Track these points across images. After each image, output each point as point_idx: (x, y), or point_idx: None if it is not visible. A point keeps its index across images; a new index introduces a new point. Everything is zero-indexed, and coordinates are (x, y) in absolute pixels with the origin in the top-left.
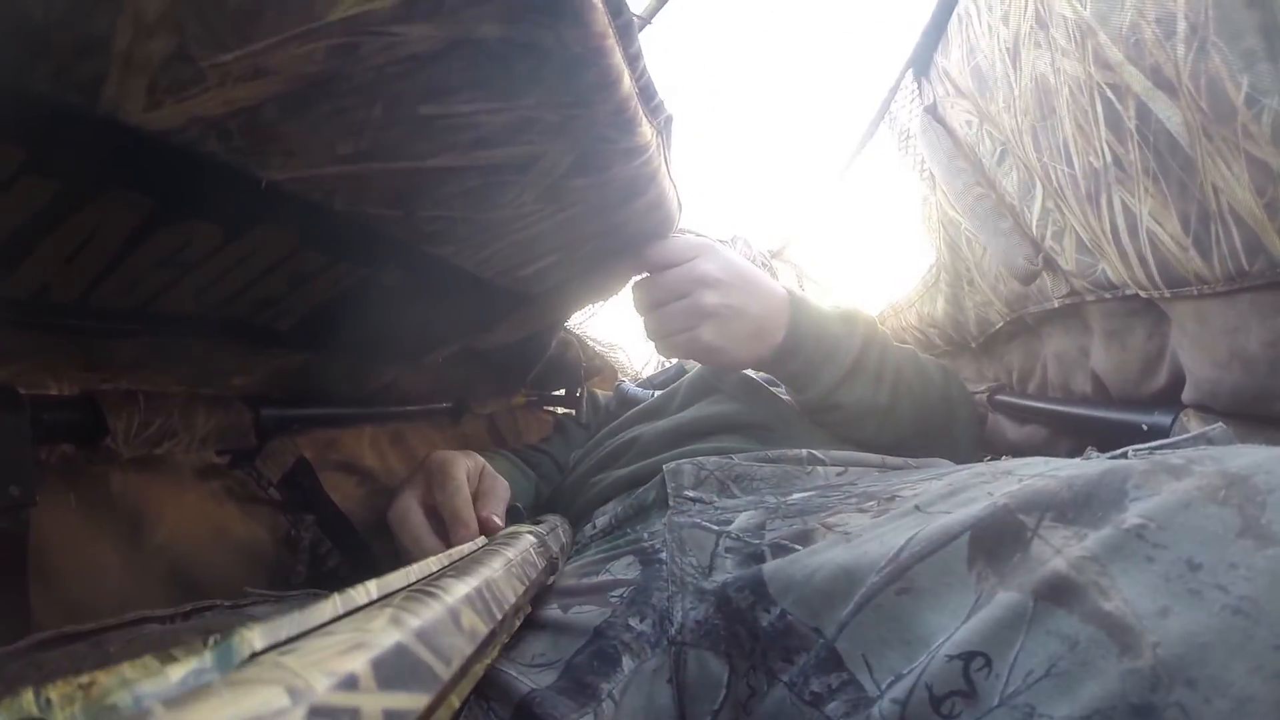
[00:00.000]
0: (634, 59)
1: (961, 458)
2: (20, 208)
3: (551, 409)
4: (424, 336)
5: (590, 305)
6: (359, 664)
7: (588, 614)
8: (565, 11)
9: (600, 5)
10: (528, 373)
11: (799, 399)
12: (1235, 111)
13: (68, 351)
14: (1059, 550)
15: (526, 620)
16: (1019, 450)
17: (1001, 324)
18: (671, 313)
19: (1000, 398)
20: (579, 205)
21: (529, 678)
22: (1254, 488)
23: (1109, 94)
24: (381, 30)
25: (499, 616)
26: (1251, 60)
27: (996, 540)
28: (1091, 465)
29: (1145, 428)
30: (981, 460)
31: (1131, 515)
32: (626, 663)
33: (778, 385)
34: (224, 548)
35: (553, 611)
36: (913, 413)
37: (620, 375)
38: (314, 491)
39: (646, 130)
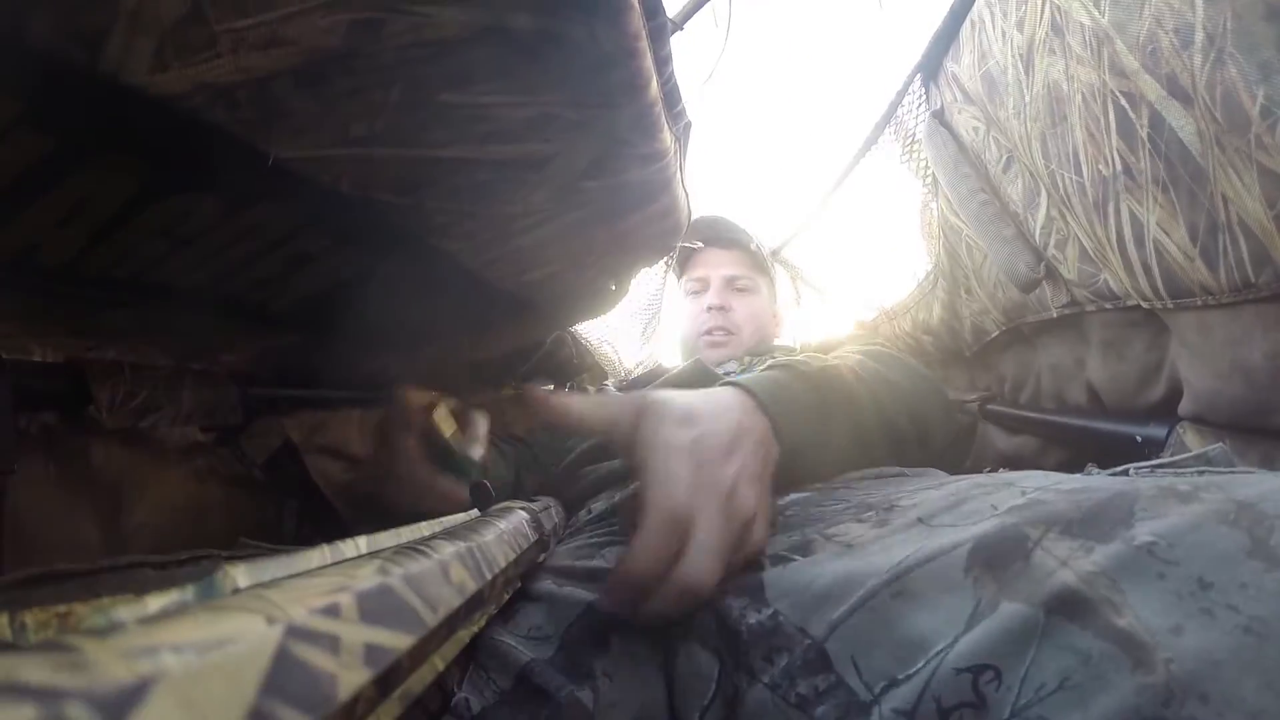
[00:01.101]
0: (663, 62)
1: (935, 459)
2: (12, 162)
3: None
4: (421, 332)
5: (585, 320)
6: (343, 598)
7: (581, 593)
8: (601, 8)
9: (636, 5)
10: (518, 369)
11: None
12: (1250, 122)
13: (54, 317)
14: (1064, 562)
15: (522, 594)
16: (1009, 460)
17: (997, 333)
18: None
19: (991, 407)
20: (589, 208)
21: (528, 649)
22: (1262, 513)
23: (1122, 102)
24: (410, 9)
25: (488, 577)
26: (1268, 72)
27: (996, 549)
28: (1097, 483)
29: (1140, 439)
30: (958, 460)
31: (1141, 532)
32: (615, 641)
33: None
34: (205, 528)
35: (547, 585)
36: (886, 450)
37: (609, 374)
38: (299, 475)
39: (666, 136)
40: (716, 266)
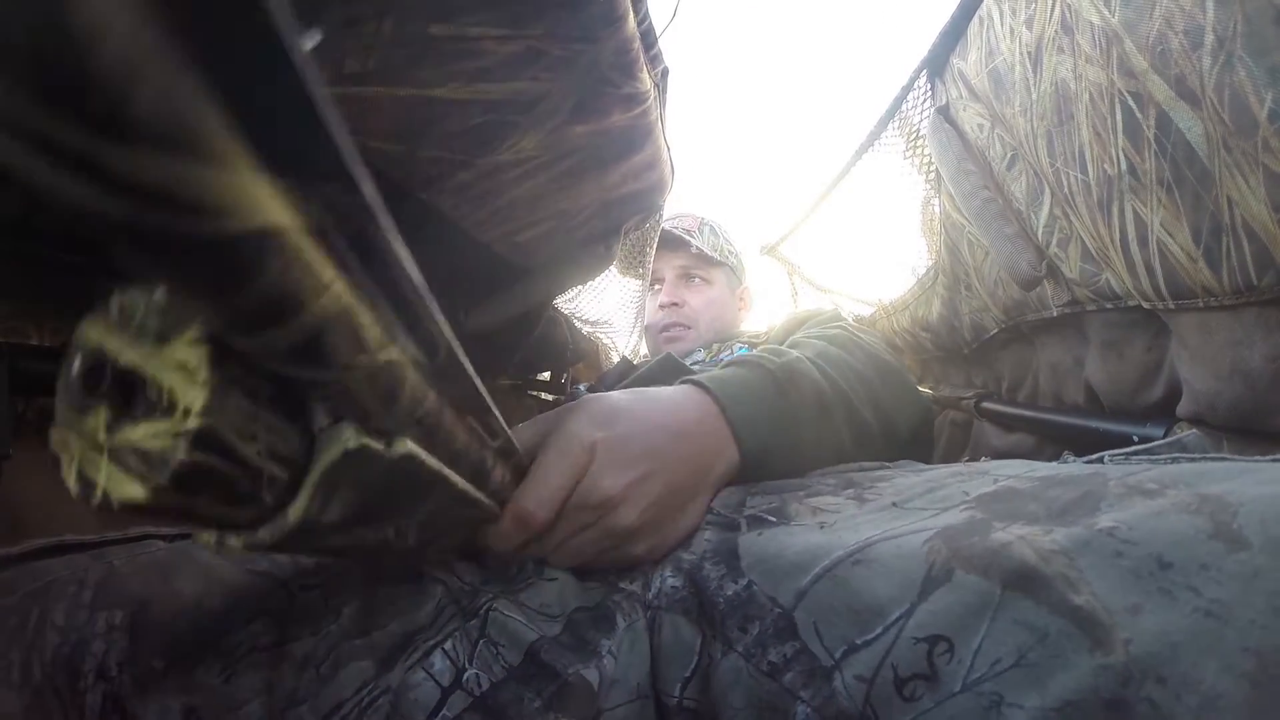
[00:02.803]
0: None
1: (904, 450)
2: None
3: (535, 394)
4: None
5: (578, 285)
6: None
7: (592, 588)
8: None
9: None
10: (515, 351)
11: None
12: (1257, 125)
13: (52, 295)
14: (1022, 538)
15: (540, 570)
16: (1004, 457)
17: (996, 330)
18: (580, 545)
19: (987, 405)
20: (577, 155)
21: (536, 626)
22: (1225, 501)
23: (1130, 102)
24: None
25: None
26: (1277, 76)
27: (959, 531)
28: (1069, 471)
29: (1136, 439)
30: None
31: (1103, 519)
32: (620, 621)
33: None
34: None
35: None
36: (853, 446)
37: (605, 362)
38: None
39: (646, 78)
40: (668, 264)
